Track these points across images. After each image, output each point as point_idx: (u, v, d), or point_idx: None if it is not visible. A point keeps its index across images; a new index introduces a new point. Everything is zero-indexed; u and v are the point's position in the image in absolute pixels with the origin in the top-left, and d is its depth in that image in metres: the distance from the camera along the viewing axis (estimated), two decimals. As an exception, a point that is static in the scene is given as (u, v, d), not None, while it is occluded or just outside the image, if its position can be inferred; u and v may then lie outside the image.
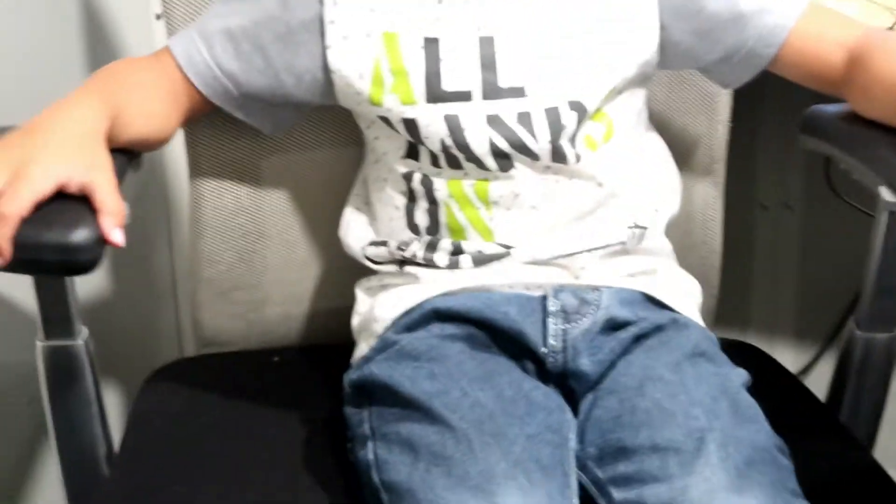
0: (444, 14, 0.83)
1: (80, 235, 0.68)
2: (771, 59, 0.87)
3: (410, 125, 0.83)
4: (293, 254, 0.99)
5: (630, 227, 0.87)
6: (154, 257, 1.30)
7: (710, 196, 1.03)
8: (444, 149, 0.83)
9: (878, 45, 0.83)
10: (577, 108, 0.83)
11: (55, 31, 1.18)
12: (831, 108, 0.90)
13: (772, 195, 1.49)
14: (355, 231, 0.91)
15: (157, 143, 0.86)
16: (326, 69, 0.85)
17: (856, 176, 0.85)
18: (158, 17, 1.20)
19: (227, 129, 0.93)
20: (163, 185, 1.27)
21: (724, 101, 1.01)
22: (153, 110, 0.85)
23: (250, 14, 0.85)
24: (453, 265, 0.85)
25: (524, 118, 0.82)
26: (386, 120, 0.85)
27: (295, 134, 0.96)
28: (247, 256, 0.98)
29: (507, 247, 0.85)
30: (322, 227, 0.98)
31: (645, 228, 0.88)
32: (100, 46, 1.21)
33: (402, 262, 0.87)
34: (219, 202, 0.96)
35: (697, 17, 0.85)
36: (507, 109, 0.82)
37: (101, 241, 0.70)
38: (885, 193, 0.78)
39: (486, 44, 0.82)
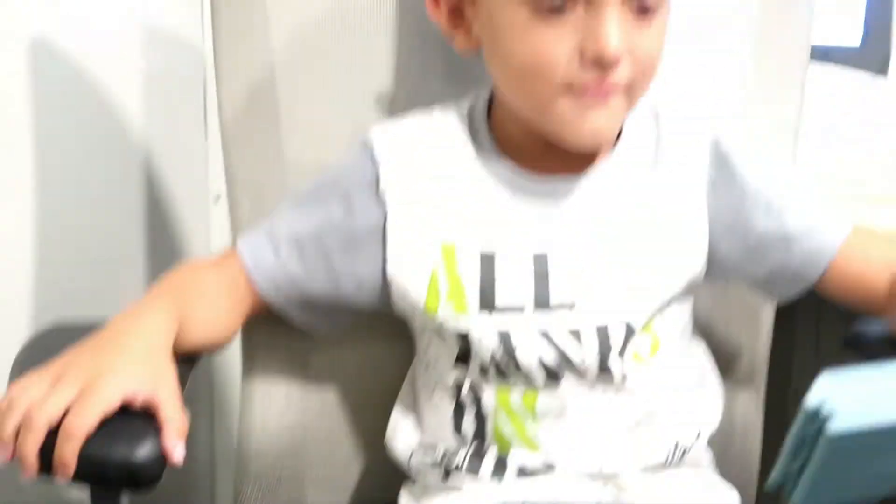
0: (499, 232, 0.86)
1: (144, 453, 0.70)
2: (816, 279, 0.89)
3: (463, 338, 0.86)
4: (338, 450, 1.01)
5: (672, 449, 0.88)
6: (194, 445, 1.32)
7: (751, 407, 1.04)
8: (494, 361, 0.85)
9: None
10: (626, 326, 0.85)
11: (114, 214, 1.23)
12: (876, 327, 0.90)
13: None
14: (402, 436, 0.93)
15: (218, 347, 0.90)
16: (385, 277, 0.88)
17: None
18: (217, 198, 1.25)
19: (282, 324, 0.95)
20: (209, 378, 1.30)
21: (767, 313, 1.03)
22: (217, 317, 0.88)
23: (317, 219, 0.89)
24: (497, 475, 0.86)
25: (575, 335, 0.84)
26: (438, 330, 0.87)
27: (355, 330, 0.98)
28: (292, 452, 0.99)
29: (551, 465, 0.86)
30: (368, 423, 0.99)
31: (686, 451, 0.89)
32: (158, 227, 1.26)
33: (448, 471, 0.89)
34: (270, 400, 0.98)
35: (746, 236, 0.88)
36: (557, 325, 0.84)
37: (164, 458, 0.72)
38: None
39: (540, 261, 0.85)
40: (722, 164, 0.88)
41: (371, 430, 0.98)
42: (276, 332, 0.96)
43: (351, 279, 0.89)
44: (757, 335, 1.03)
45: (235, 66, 0.96)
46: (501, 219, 0.86)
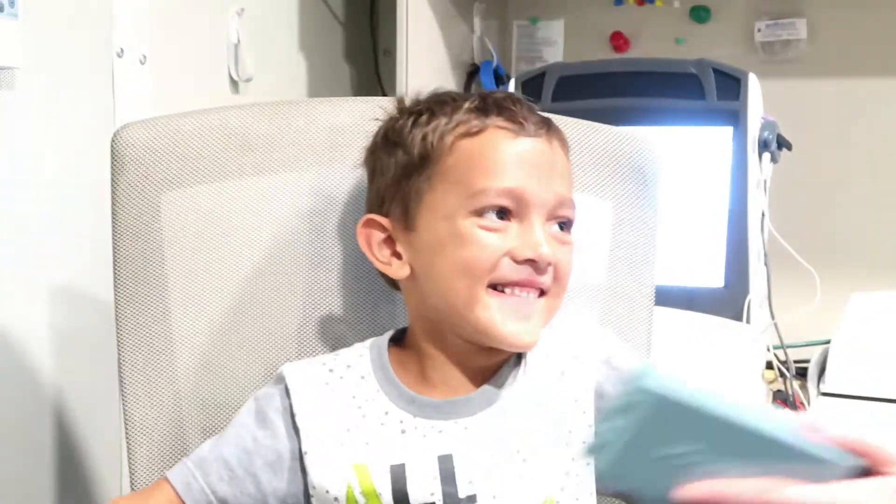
0: (408, 443, 0.94)
1: None
2: None
3: None
4: None
5: None
6: None
7: None
8: None
9: None
10: None
11: (26, 454, 1.29)
12: None
13: None
14: None
15: None
16: (307, 493, 0.95)
17: None
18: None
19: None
20: None
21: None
22: None
23: (243, 442, 0.96)
24: None
25: None
26: None
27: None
28: None
29: None
30: None
31: None
32: (69, 467, 1.32)
33: None
34: None
35: None
36: None
37: None
38: None
39: (445, 460, 0.93)
40: (612, 375, 0.97)
41: None
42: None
43: (275, 497, 0.96)
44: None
45: (136, 329, 1.07)
46: (407, 437, 0.94)
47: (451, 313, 0.95)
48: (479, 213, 0.92)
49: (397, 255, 0.98)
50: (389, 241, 0.98)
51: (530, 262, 0.92)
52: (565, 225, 0.95)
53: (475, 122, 0.93)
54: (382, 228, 0.98)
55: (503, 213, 0.92)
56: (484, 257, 0.92)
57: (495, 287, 0.92)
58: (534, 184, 0.92)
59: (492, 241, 0.92)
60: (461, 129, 0.93)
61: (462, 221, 0.92)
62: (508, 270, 0.92)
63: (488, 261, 0.92)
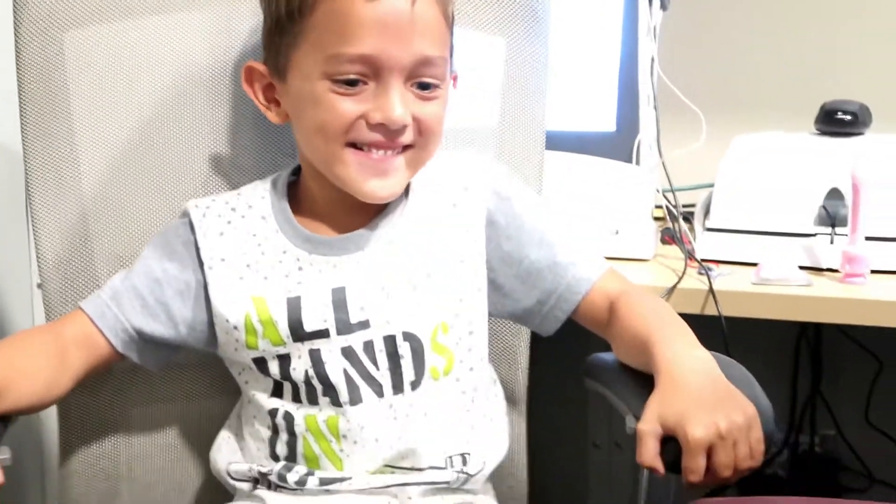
0: (304, 278, 1.01)
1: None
2: (576, 305, 1.05)
3: (283, 359, 1.00)
4: (151, 493, 1.12)
5: (457, 473, 1.01)
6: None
7: (516, 432, 1.19)
8: (307, 380, 0.99)
9: (625, 300, 1.02)
10: (411, 338, 1.00)
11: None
12: (606, 356, 1.07)
13: (603, 435, 1.66)
14: (224, 453, 1.05)
15: (39, 409, 0.99)
16: (212, 322, 1.02)
17: (619, 410, 1.02)
18: (39, 286, 1.36)
19: (92, 385, 1.08)
20: (37, 432, 1.38)
21: (523, 352, 1.20)
22: (44, 378, 0.97)
23: (152, 273, 1.02)
24: (301, 485, 0.99)
25: (368, 346, 0.99)
26: (258, 361, 1.01)
27: (160, 386, 1.13)
28: (108, 499, 1.11)
29: (348, 479, 0.99)
30: (182, 472, 1.13)
31: (470, 475, 1.02)
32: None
33: (257, 481, 1.02)
34: (84, 450, 1.10)
35: (520, 264, 1.05)
36: (356, 340, 0.99)
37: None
38: (629, 421, 0.96)
39: (338, 292, 1.00)
40: (502, 205, 1.05)
41: (184, 476, 1.13)
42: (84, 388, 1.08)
43: (185, 325, 1.03)
44: (515, 371, 1.20)
45: (44, 165, 1.09)
46: (304, 273, 1.01)
47: (317, 165, 1.00)
48: (333, 77, 0.94)
49: (276, 102, 1.02)
50: (270, 86, 1.02)
51: (382, 125, 0.95)
52: (430, 84, 0.96)
53: None
54: (262, 76, 1.02)
55: (358, 77, 0.94)
56: (336, 121, 0.95)
57: (355, 145, 0.96)
58: (390, 48, 0.93)
59: (344, 106, 0.94)
60: None
61: (318, 83, 0.95)
62: (363, 132, 0.95)
63: (340, 125, 0.95)
